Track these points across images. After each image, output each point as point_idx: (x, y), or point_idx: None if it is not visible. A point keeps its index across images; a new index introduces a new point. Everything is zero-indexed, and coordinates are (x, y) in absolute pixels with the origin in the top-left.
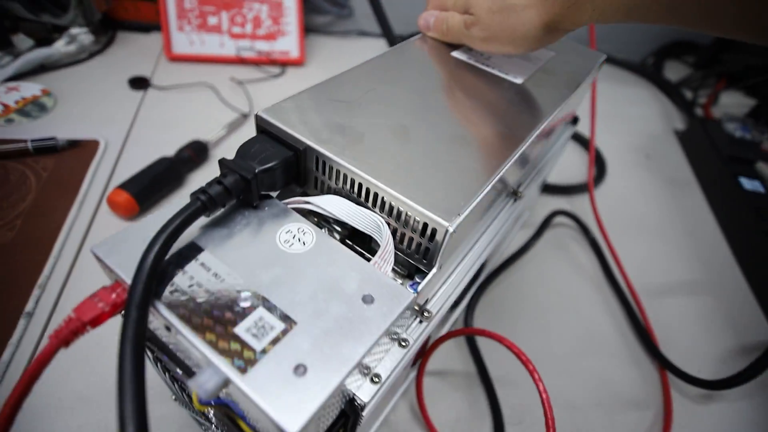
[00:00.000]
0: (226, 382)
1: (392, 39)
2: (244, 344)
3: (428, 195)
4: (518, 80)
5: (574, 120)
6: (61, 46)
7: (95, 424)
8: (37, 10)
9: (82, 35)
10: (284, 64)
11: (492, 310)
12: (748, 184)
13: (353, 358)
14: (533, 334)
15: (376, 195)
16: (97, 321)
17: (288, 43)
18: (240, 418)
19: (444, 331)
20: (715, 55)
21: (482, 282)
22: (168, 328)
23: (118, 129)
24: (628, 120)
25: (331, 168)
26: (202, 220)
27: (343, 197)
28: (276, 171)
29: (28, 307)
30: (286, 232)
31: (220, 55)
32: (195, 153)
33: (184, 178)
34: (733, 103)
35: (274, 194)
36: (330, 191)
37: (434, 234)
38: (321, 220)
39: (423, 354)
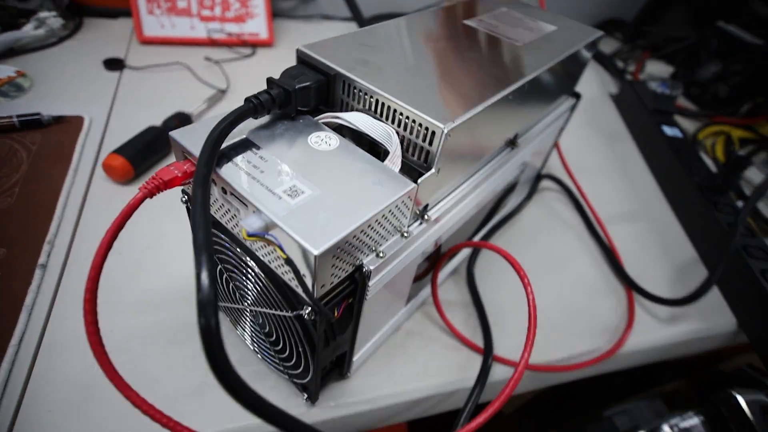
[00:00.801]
0: (267, 225)
1: (361, 21)
2: (282, 199)
3: (429, 107)
4: (519, 44)
5: (576, 95)
6: (30, 30)
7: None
8: None
9: (51, 19)
10: (254, 44)
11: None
12: (668, 131)
13: (364, 216)
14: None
15: (388, 108)
16: (172, 182)
17: (257, 25)
18: (278, 247)
19: (448, 271)
20: (639, 29)
21: (486, 233)
22: (225, 191)
23: (100, 106)
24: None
25: (354, 88)
26: (251, 123)
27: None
28: (311, 89)
29: (41, 260)
30: (317, 137)
31: (191, 38)
32: (180, 123)
33: (170, 149)
34: (657, 71)
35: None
36: (353, 110)
37: (433, 137)
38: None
39: (437, 261)
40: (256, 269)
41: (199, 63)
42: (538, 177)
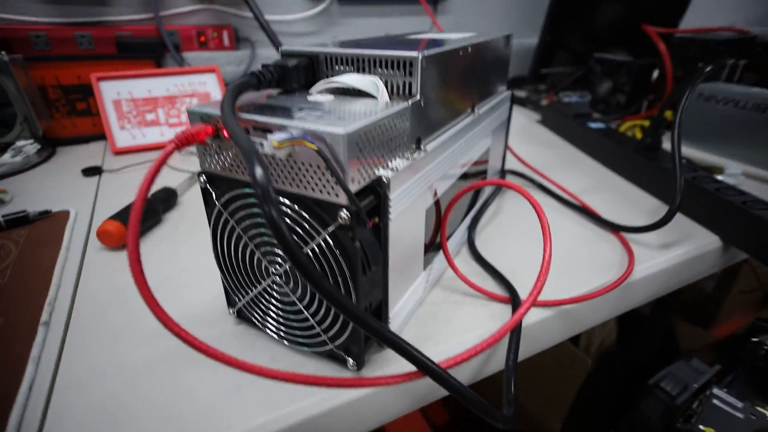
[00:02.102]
0: (294, 135)
1: None
2: (301, 118)
3: (403, 51)
4: (454, 36)
5: (511, 93)
6: (7, 158)
7: None
8: None
9: (28, 146)
10: None
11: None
12: (594, 125)
13: (376, 117)
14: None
15: (371, 61)
16: (199, 135)
17: None
18: (308, 141)
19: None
20: (537, 74)
21: (471, 220)
22: (254, 128)
23: (84, 201)
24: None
25: (337, 58)
26: (254, 98)
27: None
28: (302, 67)
29: (44, 318)
30: (314, 97)
31: (162, 142)
32: (167, 196)
33: (161, 216)
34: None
35: None
36: None
37: (411, 66)
38: None
39: (442, 220)
40: (286, 201)
41: (173, 158)
42: (503, 172)
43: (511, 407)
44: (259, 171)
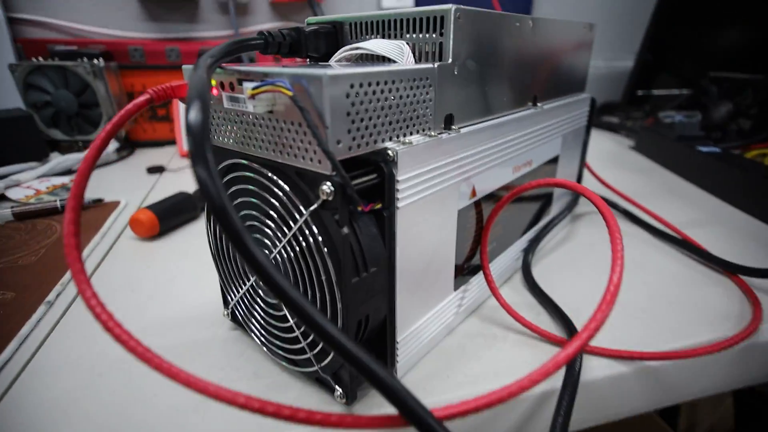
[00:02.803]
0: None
1: None
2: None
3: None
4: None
5: (593, 103)
6: None
7: None
8: (73, 131)
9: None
10: None
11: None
12: (704, 149)
13: (371, 68)
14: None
15: (398, 22)
16: (178, 90)
17: None
18: (283, 87)
19: (498, 271)
20: (633, 95)
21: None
22: (232, 86)
23: (138, 195)
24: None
25: (362, 23)
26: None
27: None
28: (321, 34)
29: (49, 297)
30: (335, 62)
31: None
32: None
33: (198, 212)
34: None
35: None
36: None
37: (443, 22)
38: None
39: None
40: (267, 173)
41: None
42: (576, 197)
43: None
44: (194, 113)
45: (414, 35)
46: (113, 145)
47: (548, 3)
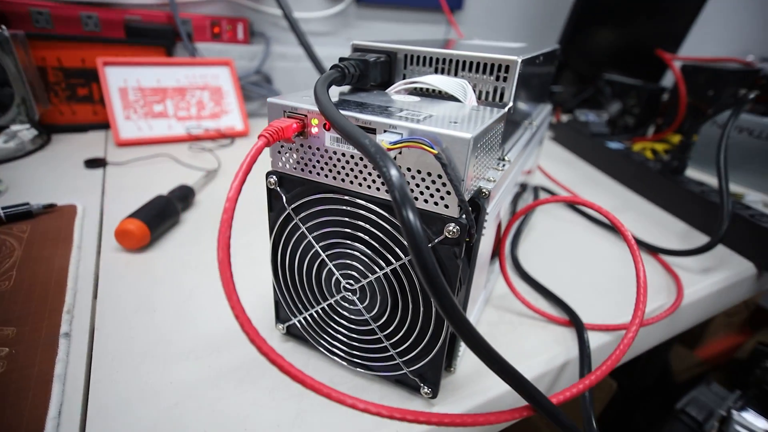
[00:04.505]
0: (408, 140)
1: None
2: (406, 119)
3: (494, 54)
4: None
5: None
6: (0, 143)
7: None
8: None
9: (24, 131)
10: (232, 136)
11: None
12: (613, 145)
13: (486, 123)
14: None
15: (460, 63)
16: (287, 131)
17: (232, 120)
18: (426, 145)
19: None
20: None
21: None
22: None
23: (91, 196)
24: None
25: (420, 57)
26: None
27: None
28: (381, 64)
29: (63, 329)
30: (397, 95)
31: (169, 136)
32: (185, 194)
33: (180, 215)
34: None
35: None
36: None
37: (507, 70)
38: None
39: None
40: (376, 209)
41: (182, 153)
42: (535, 189)
43: None
44: (395, 172)
45: (474, 75)
46: (30, 132)
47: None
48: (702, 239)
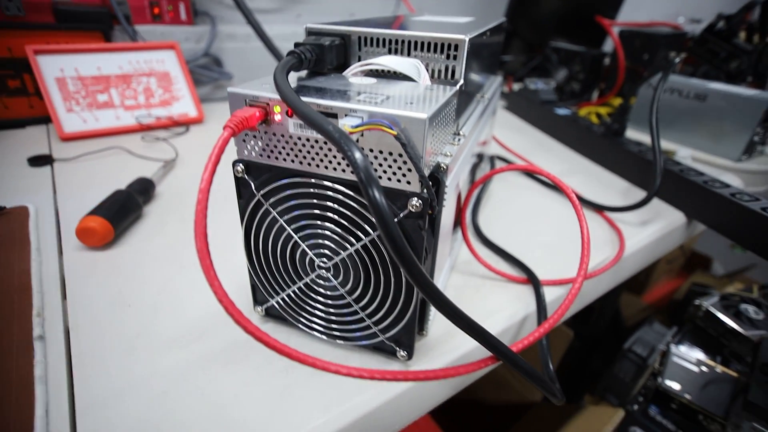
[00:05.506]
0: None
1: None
2: (365, 101)
3: (443, 33)
4: (462, 21)
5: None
6: None
7: None
8: None
9: None
10: (186, 123)
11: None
12: (561, 111)
13: (440, 101)
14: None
15: (412, 43)
16: (250, 120)
17: (184, 106)
18: (386, 126)
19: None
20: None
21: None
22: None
23: (41, 195)
24: None
25: (373, 39)
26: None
27: None
28: (336, 47)
29: (36, 332)
30: (354, 78)
31: (118, 127)
32: (144, 187)
33: (143, 209)
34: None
35: None
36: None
37: (457, 49)
38: None
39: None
40: (344, 190)
41: (136, 144)
42: (491, 158)
43: (555, 383)
44: (359, 155)
45: (425, 54)
46: None
47: None
48: (641, 194)
